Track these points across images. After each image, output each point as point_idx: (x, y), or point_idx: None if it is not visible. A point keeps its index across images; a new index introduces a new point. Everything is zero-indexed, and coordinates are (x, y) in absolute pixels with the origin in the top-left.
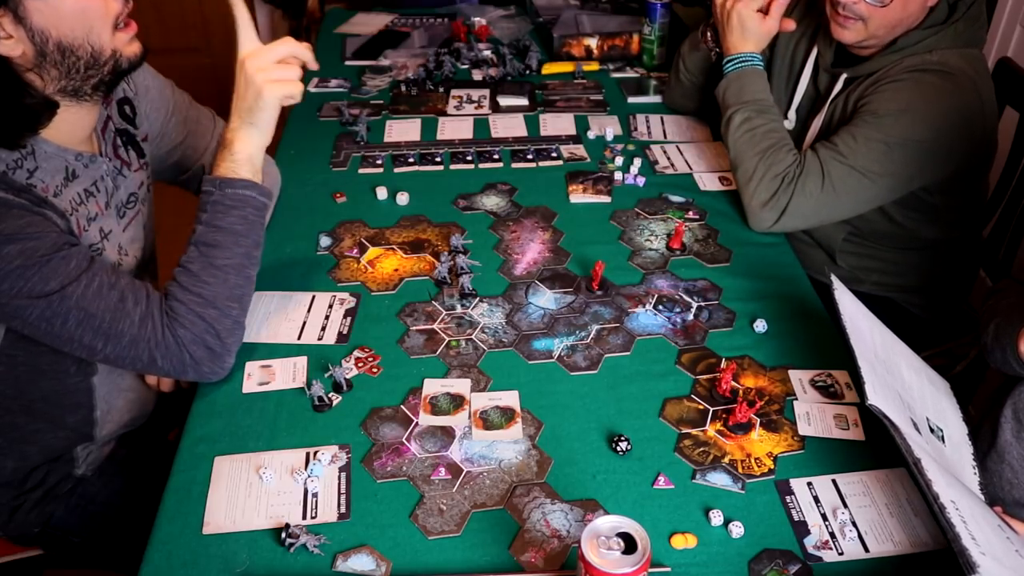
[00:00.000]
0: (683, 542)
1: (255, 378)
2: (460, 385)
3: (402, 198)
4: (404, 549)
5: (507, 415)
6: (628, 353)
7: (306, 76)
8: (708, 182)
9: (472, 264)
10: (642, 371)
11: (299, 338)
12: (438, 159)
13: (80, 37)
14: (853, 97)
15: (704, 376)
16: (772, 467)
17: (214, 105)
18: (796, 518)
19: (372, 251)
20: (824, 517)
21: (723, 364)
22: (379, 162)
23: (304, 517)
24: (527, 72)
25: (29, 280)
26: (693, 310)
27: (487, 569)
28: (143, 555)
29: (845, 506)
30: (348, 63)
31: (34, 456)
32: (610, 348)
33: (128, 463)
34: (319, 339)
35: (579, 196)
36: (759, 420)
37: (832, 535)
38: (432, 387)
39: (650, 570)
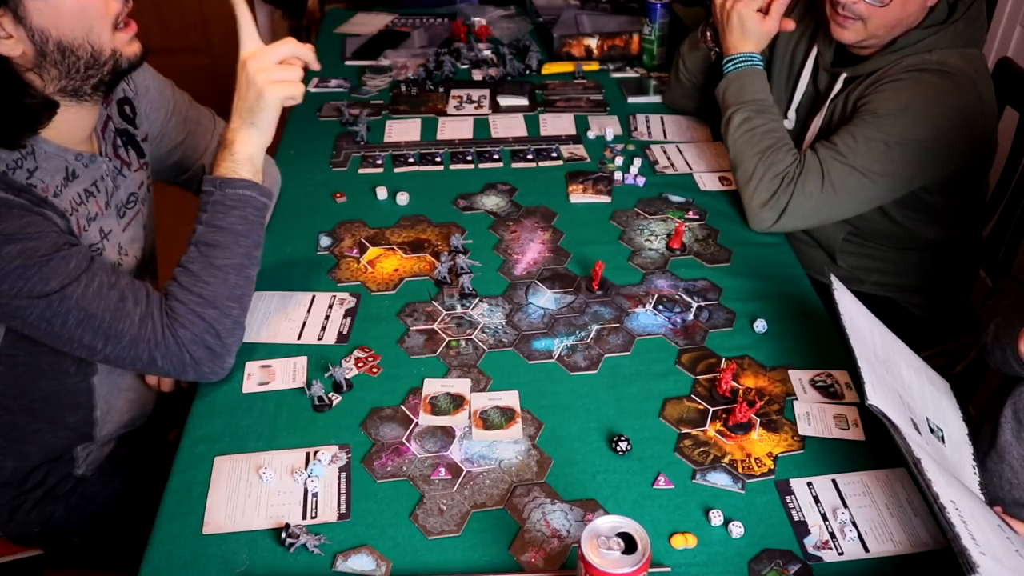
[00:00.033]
0: (683, 542)
1: (255, 378)
2: (460, 385)
3: (402, 198)
4: (404, 549)
5: (507, 415)
6: (628, 353)
7: (306, 76)
8: (708, 182)
9: (472, 264)
10: (642, 371)
11: (299, 338)
12: (438, 159)
13: (80, 37)
14: (853, 97)
15: (704, 376)
16: (772, 467)
17: (214, 105)
18: (796, 518)
19: (372, 251)
20: (824, 517)
21: (723, 364)
22: (379, 162)
23: (304, 517)
24: (527, 72)
25: (29, 280)
26: (693, 310)
27: (487, 569)
28: (143, 555)
29: (845, 506)
30: (348, 63)
31: (34, 456)
32: (610, 348)
33: (128, 463)
34: (319, 339)
35: (579, 196)
36: (759, 420)
37: (832, 535)
38: (432, 387)
39: (650, 570)
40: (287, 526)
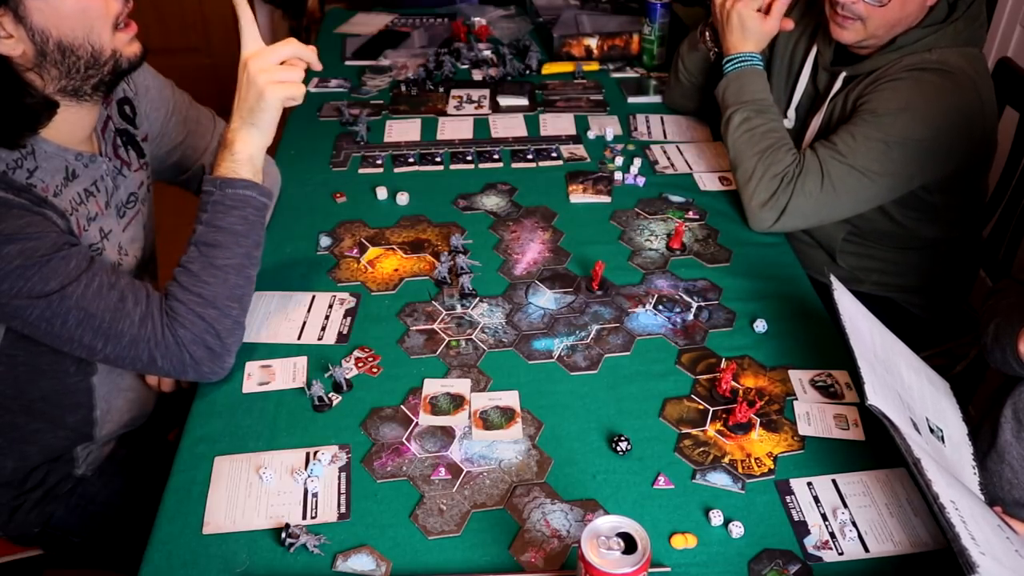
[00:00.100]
0: (683, 542)
1: (255, 378)
2: (460, 385)
3: (402, 198)
4: (404, 549)
5: (507, 415)
6: (628, 353)
7: (306, 76)
8: (708, 182)
9: (472, 264)
10: (642, 371)
11: (299, 338)
12: (438, 159)
13: (80, 37)
14: (852, 96)
15: (704, 376)
16: (772, 467)
17: (214, 105)
18: (796, 518)
19: (372, 251)
20: (824, 517)
21: (723, 364)
22: (379, 162)
23: (304, 517)
24: (527, 72)
25: (29, 280)
26: (693, 310)
27: (487, 569)
28: (143, 555)
29: (845, 506)
30: (348, 63)
31: (34, 456)
32: (610, 348)
33: (128, 463)
34: (319, 339)
35: (579, 196)
36: (759, 420)
37: (832, 535)
38: (432, 387)
39: (650, 570)
40: (287, 526)
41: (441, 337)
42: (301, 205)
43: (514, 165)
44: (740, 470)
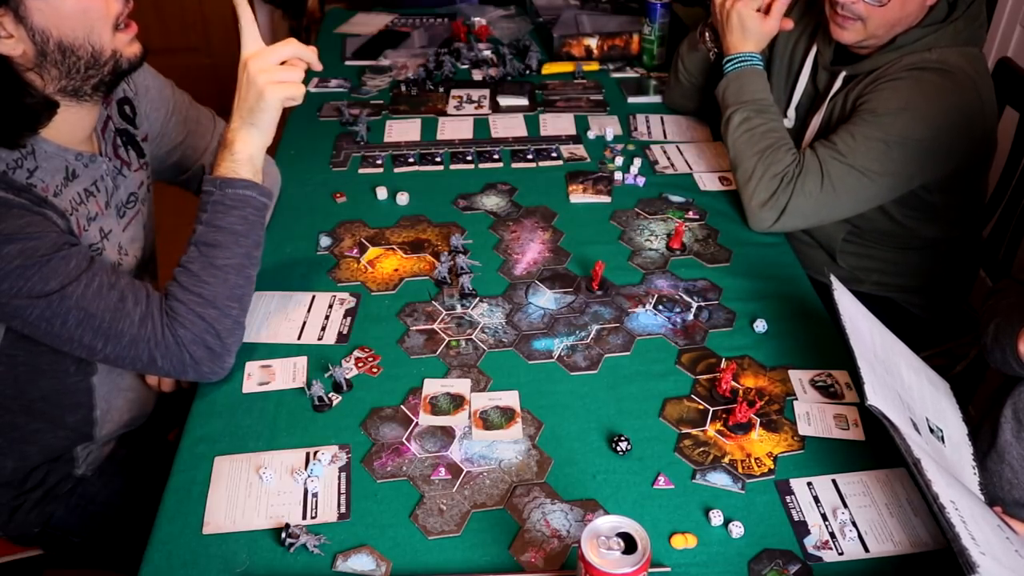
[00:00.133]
0: (683, 542)
1: (255, 378)
2: (460, 385)
3: (402, 198)
4: (404, 549)
5: (507, 415)
6: (628, 353)
7: (306, 76)
8: (708, 182)
9: (472, 264)
10: (642, 371)
11: (299, 338)
12: (438, 159)
13: (81, 37)
14: (852, 95)
15: (704, 376)
16: (772, 467)
17: (214, 105)
18: (796, 518)
19: (372, 251)
20: (824, 517)
21: (723, 364)
22: (379, 162)
23: (304, 517)
24: (527, 72)
25: (29, 280)
26: (693, 310)
27: (487, 569)
28: (143, 555)
29: (845, 506)
30: (348, 63)
31: (34, 456)
32: (610, 348)
33: (128, 463)
34: (319, 339)
35: (579, 196)
36: (759, 420)
37: (832, 535)
38: (432, 387)
39: (650, 570)
40: (287, 526)
41: (441, 337)
42: (301, 205)
43: (514, 165)
44: (740, 470)
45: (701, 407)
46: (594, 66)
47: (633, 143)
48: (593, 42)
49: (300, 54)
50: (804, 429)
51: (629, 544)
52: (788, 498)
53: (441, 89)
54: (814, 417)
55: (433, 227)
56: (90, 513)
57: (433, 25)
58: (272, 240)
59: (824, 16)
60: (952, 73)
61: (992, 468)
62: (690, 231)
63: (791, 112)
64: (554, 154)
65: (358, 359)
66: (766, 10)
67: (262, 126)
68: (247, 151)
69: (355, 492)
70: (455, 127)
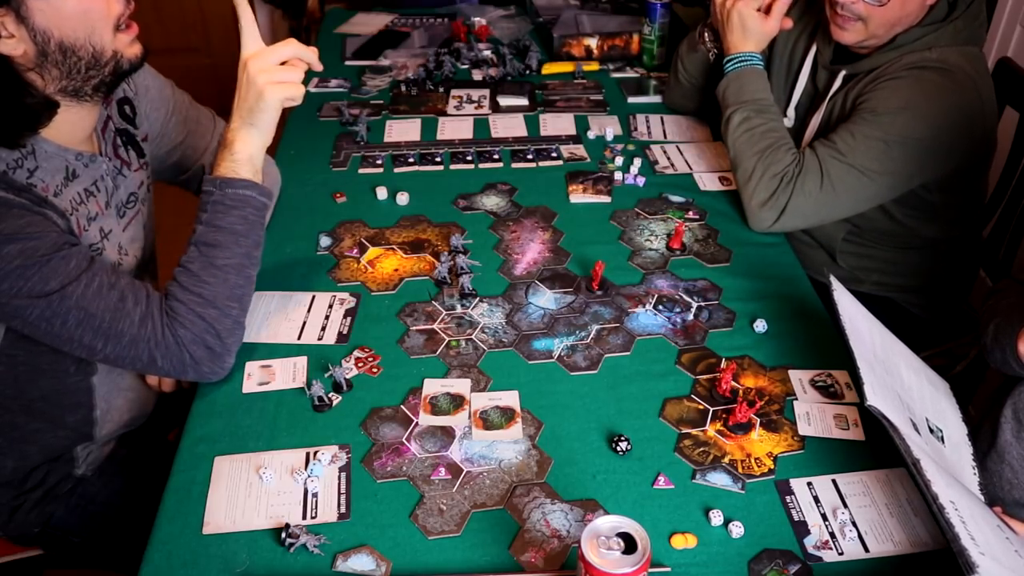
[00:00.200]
0: (683, 542)
1: (255, 378)
2: (460, 385)
3: (402, 198)
4: (404, 549)
5: (507, 415)
6: (628, 353)
7: (306, 76)
8: (708, 182)
9: (472, 264)
10: (642, 371)
11: (299, 338)
12: (438, 159)
13: (82, 38)
14: (852, 94)
15: (704, 376)
16: (772, 467)
17: (214, 105)
18: (796, 518)
19: (372, 251)
20: (824, 517)
21: (723, 364)
22: (379, 162)
23: (304, 517)
24: (527, 72)
25: (29, 280)
26: (693, 310)
27: (487, 569)
28: (143, 555)
29: (845, 506)
30: (348, 63)
31: (34, 456)
32: (610, 348)
33: (128, 463)
34: (319, 339)
35: (579, 196)
36: (759, 420)
37: (832, 535)
38: (432, 387)
39: (650, 570)
40: (287, 526)
41: (441, 337)
42: (301, 205)
43: (514, 165)
44: (740, 470)
45: (701, 407)
46: (594, 66)
47: (633, 143)
48: (593, 42)
49: (300, 54)
50: (804, 429)
51: (629, 544)
52: (788, 498)
53: (441, 89)
54: (814, 417)
55: (433, 227)
56: (90, 513)
57: (433, 25)
58: (272, 240)
59: (824, 15)
60: (952, 72)
61: (992, 468)
62: (690, 231)
63: (791, 111)
64: (554, 154)
65: (358, 359)
66: (766, 10)
67: (262, 126)
68: (247, 151)
69: (355, 492)
70: (455, 127)
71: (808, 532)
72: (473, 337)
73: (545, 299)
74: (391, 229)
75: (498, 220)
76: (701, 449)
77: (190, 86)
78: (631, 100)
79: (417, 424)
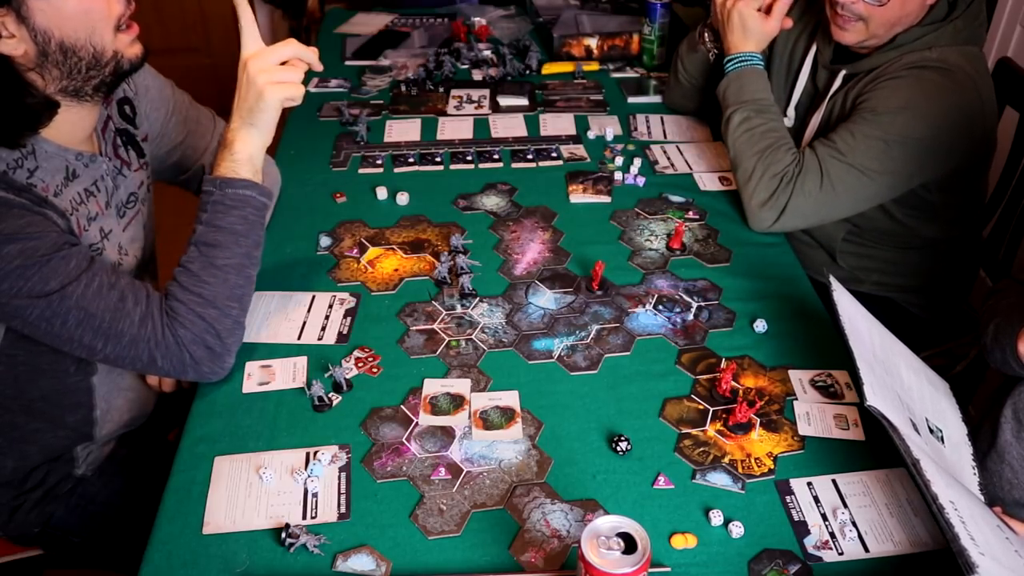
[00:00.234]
0: (683, 542)
1: (255, 378)
2: (460, 385)
3: (402, 198)
4: (404, 549)
5: (507, 415)
6: (628, 353)
7: (306, 76)
8: (708, 182)
9: (472, 264)
10: (642, 371)
11: (299, 338)
12: (438, 159)
13: (82, 38)
14: (852, 94)
15: (704, 376)
16: (772, 467)
17: (214, 105)
18: (796, 518)
19: (372, 251)
20: (824, 517)
21: (723, 364)
22: (379, 162)
23: (304, 517)
24: (527, 72)
25: (29, 280)
26: (693, 310)
27: (487, 569)
28: (143, 555)
29: (845, 506)
30: (348, 63)
31: (34, 456)
32: (610, 348)
33: (128, 463)
34: (319, 339)
35: (579, 196)
36: (759, 420)
37: (832, 535)
38: (432, 387)
39: (650, 570)
40: (287, 526)
41: (441, 337)
42: (301, 205)
43: (514, 165)
44: (740, 470)
45: (701, 407)
46: (594, 66)
47: (633, 143)
48: (593, 42)
49: (301, 55)
50: (804, 429)
51: (629, 544)
52: (788, 498)
53: (441, 89)
54: (814, 417)
55: (433, 227)
56: (90, 513)
57: (433, 25)
58: (272, 240)
59: (824, 15)
60: (952, 72)
61: (992, 468)
62: (690, 231)
63: (791, 111)
64: (554, 154)
65: (358, 359)
66: (767, 10)
67: (262, 126)
68: (247, 151)
69: (355, 492)
70: (455, 127)
71: (808, 532)
72: (473, 337)
73: (545, 299)
74: (391, 229)
75: (498, 220)
76: (701, 449)
77: (190, 86)
78: (631, 100)
79: (417, 424)
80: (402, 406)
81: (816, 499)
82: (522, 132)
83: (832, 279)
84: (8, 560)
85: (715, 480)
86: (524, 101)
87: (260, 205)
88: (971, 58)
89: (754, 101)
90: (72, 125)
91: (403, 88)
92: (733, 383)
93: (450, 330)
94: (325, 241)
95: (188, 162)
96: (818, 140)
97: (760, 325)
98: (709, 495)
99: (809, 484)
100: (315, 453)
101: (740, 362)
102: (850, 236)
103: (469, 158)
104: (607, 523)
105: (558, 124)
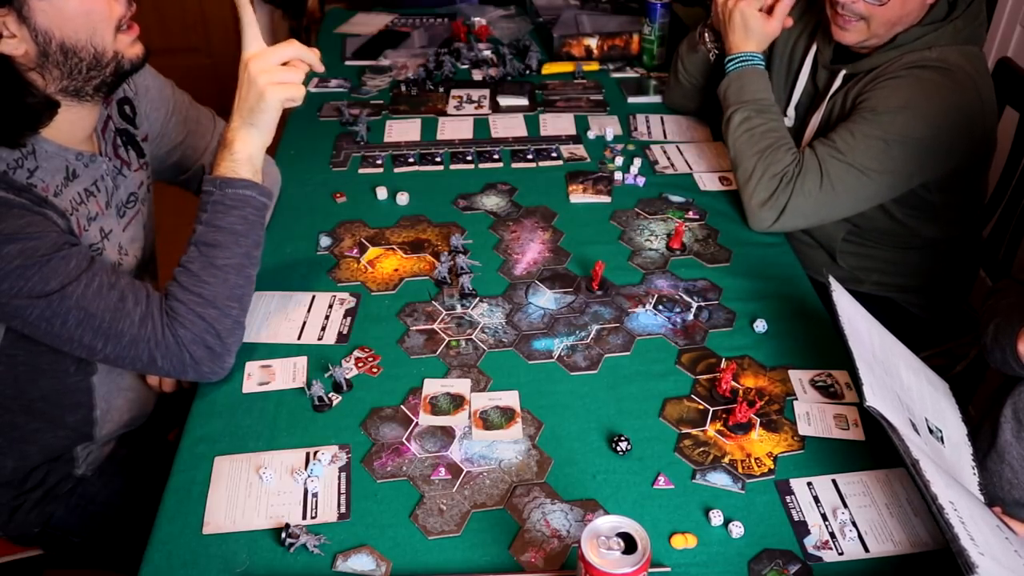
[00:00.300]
0: (683, 542)
1: (255, 378)
2: (460, 385)
3: (402, 198)
4: (404, 549)
5: (507, 415)
6: (628, 353)
7: (306, 77)
8: (708, 182)
9: (472, 264)
10: (642, 371)
11: (299, 338)
12: (438, 159)
13: (83, 39)
14: (852, 93)
15: (704, 376)
16: (772, 467)
17: (214, 105)
18: (796, 518)
19: (372, 251)
20: (824, 517)
21: (723, 364)
22: (379, 162)
23: (304, 517)
24: (527, 72)
25: (29, 280)
26: (693, 310)
27: (487, 569)
28: (143, 555)
29: (845, 506)
30: (348, 63)
31: (34, 456)
32: (610, 348)
33: (128, 463)
34: (319, 339)
35: (579, 196)
36: (759, 420)
37: (832, 535)
38: (432, 387)
39: (650, 570)
40: (287, 526)
41: (441, 337)
42: (301, 205)
43: (514, 165)
44: (740, 470)
45: (701, 407)
46: (594, 66)
47: (633, 143)
48: (593, 42)
49: (302, 55)
50: (804, 429)
51: (629, 544)
52: (788, 498)
53: (441, 89)
54: (814, 417)
55: (433, 227)
56: (90, 513)
57: (433, 25)
58: (272, 240)
59: (824, 15)
60: (952, 72)
61: (992, 468)
62: (690, 231)
63: (791, 111)
64: (554, 154)
65: (358, 359)
66: (769, 10)
67: (262, 126)
68: (247, 151)
69: (355, 492)
70: (455, 127)
71: (808, 532)
72: (473, 337)
73: (545, 299)
74: (391, 229)
75: (498, 220)
76: (701, 449)
77: (190, 86)
78: (631, 100)
79: (417, 424)
80: (402, 406)
81: (816, 499)
82: (522, 132)
83: (831, 279)
84: (8, 560)
85: (715, 480)
86: (524, 101)
87: (260, 205)
88: (971, 58)
89: (755, 101)
90: (72, 125)
91: (403, 88)
92: (733, 383)
93: (450, 330)
94: (325, 241)
95: (188, 162)
96: (818, 140)
97: (760, 325)
98: (709, 495)
99: (809, 484)
100: (315, 453)
101: (740, 362)
102: (850, 236)
103: (469, 158)
104: (607, 523)
105: (558, 124)
